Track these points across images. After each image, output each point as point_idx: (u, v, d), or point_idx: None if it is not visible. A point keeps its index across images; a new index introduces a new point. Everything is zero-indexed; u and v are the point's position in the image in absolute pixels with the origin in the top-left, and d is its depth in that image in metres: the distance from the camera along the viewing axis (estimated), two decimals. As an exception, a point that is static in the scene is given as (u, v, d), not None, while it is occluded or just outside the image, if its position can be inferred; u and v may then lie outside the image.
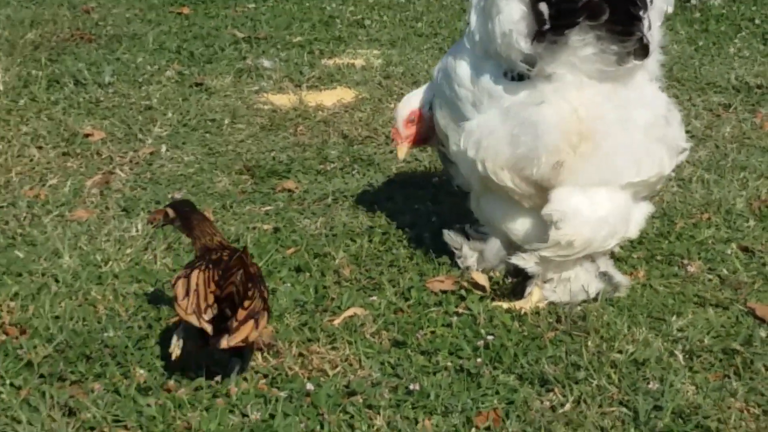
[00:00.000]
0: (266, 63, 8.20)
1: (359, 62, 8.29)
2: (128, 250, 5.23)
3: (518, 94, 4.63)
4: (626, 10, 4.41)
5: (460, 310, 4.72)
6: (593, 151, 4.56)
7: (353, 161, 6.43)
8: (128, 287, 4.90)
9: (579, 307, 4.69)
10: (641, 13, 4.42)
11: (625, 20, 4.41)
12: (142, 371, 4.21)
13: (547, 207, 4.63)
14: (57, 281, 4.95)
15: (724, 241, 5.38)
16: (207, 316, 3.98)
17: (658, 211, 5.63)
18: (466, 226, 5.15)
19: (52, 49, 8.48)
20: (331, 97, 7.55)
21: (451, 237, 5.12)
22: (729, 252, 5.26)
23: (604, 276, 4.84)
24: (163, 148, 6.62)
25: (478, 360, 4.30)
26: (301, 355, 4.38)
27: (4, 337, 4.48)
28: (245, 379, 4.19)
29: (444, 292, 4.86)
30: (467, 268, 5.05)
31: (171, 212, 4.53)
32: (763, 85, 7.59)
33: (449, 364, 4.29)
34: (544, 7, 4.42)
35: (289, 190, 6.04)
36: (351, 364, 4.31)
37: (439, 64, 5.09)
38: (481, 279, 4.92)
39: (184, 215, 4.49)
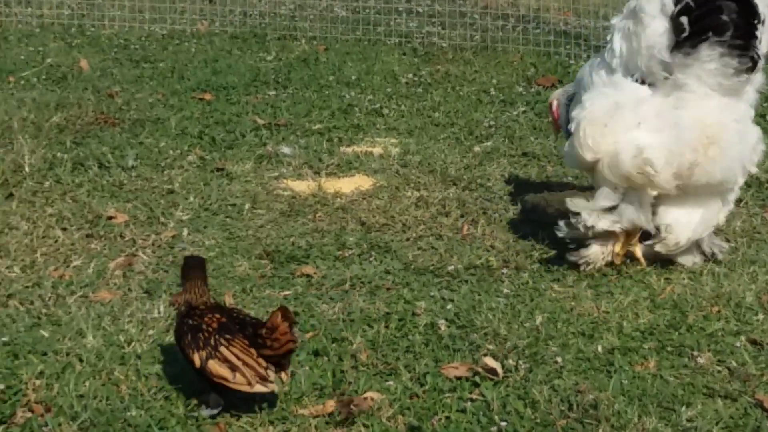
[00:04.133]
0: (286, 149, 8.29)
1: (377, 150, 8.40)
2: (150, 332, 5.35)
3: (655, 101, 5.87)
4: (746, 26, 5.61)
5: (474, 396, 4.82)
6: (720, 155, 5.80)
7: (371, 248, 6.53)
8: (150, 368, 5.01)
9: (591, 396, 4.78)
10: (758, 25, 5.62)
11: (744, 35, 5.61)
12: (163, 450, 4.32)
13: (656, 219, 6.05)
14: (81, 360, 5.07)
15: (734, 333, 5.47)
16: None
17: (669, 303, 5.74)
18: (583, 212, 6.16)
19: (76, 132, 8.63)
20: (349, 185, 7.66)
21: (573, 203, 6.15)
22: (738, 345, 5.35)
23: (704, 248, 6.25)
24: (185, 231, 6.73)
25: (492, 446, 4.40)
26: (318, 437, 4.48)
27: (29, 415, 4.59)
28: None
29: (458, 378, 4.96)
30: (589, 228, 6.05)
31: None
32: (774, 180, 7.69)
33: (463, 449, 4.39)
34: (684, 20, 5.66)
35: (308, 276, 6.15)
36: (367, 448, 4.41)
37: (585, 68, 6.40)
38: (494, 364, 5.02)
39: (186, 264, 4.88)
